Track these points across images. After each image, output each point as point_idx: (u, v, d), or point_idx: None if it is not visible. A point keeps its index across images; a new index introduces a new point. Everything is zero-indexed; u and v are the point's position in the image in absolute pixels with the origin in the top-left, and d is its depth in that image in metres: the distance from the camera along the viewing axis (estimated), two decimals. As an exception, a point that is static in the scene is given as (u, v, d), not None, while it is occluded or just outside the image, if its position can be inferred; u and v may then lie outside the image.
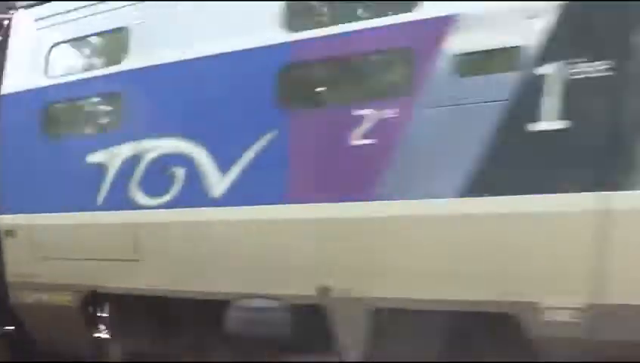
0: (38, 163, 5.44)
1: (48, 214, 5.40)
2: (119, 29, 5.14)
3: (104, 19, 5.14)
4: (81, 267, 5.29)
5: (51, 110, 5.55)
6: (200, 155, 4.64)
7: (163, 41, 4.89)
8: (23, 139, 5.56)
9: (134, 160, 4.93)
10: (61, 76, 5.51)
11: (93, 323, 5.49)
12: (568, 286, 3.59)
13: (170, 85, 4.85)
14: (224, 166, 4.55)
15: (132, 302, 5.18)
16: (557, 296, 3.63)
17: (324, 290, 4.29)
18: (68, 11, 5.32)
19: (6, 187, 5.65)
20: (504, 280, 3.74)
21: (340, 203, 4.15)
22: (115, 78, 5.07)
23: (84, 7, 5.26)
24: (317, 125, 4.30)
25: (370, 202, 4.05)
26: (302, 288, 4.33)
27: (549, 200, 3.56)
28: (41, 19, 5.59)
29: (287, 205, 4.34)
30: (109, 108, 5.43)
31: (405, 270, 3.97)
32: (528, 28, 3.61)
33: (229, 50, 4.56)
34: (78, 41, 5.46)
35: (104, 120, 5.54)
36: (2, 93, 5.68)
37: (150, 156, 4.87)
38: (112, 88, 5.15)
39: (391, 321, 4.17)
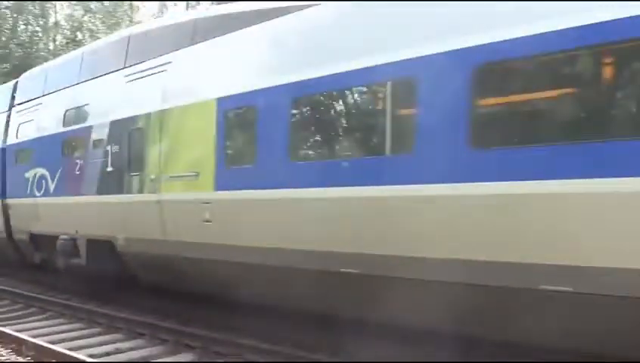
0: (10, 177, 12.57)
1: (28, 199, 12.35)
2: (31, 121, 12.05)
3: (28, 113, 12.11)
4: (27, 221, 12.25)
5: (19, 153, 12.61)
6: (47, 176, 11.27)
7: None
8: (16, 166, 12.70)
9: (34, 177, 11.75)
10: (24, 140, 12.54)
11: (32, 243, 12.37)
12: (116, 230, 9.48)
13: (42, 147, 11.56)
14: (52, 180, 11.12)
15: (43, 237, 11.96)
16: (120, 234, 9.53)
17: (77, 232, 10.62)
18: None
19: (7, 187, 12.87)
20: (108, 228, 9.73)
21: (76, 196, 10.44)
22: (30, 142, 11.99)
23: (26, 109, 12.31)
24: (69, 164, 10.65)
25: (78, 197, 10.31)
26: (72, 230, 10.67)
27: (109, 198, 9.51)
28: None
29: (65, 197, 10.77)
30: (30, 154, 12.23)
31: (93, 224, 10.15)
32: (105, 133, 9.60)
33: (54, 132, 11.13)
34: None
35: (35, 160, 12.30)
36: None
37: (38, 175, 11.64)
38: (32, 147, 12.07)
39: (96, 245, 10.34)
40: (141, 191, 8.90)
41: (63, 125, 10.88)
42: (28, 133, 12.25)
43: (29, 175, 11.98)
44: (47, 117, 11.52)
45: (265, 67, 7.06)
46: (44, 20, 36.48)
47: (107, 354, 7.54)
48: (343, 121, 6.35)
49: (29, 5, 35.53)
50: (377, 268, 5.79)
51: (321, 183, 6.24)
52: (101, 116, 9.84)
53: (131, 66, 9.38)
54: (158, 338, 8.21)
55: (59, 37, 36.56)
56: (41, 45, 35.25)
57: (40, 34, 36.00)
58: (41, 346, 7.49)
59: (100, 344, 8.08)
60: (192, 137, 8.00)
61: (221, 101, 7.53)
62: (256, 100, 7.04)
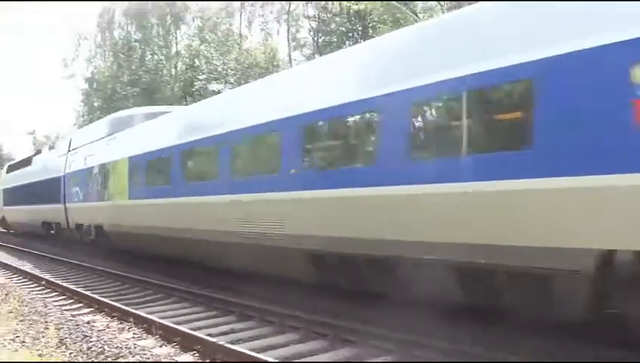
0: (67, 192, 22.27)
1: (74, 203, 21.82)
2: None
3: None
4: (74, 216, 21.70)
5: (70, 178, 22.22)
6: (79, 191, 20.72)
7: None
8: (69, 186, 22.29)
9: (75, 191, 21.27)
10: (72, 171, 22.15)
11: (77, 229, 21.77)
12: (104, 220, 18.59)
13: (81, 175, 21.04)
14: (81, 193, 20.55)
15: (80, 225, 21.27)
16: (106, 222, 18.60)
17: (91, 221, 19.82)
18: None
19: (66, 197, 22.54)
20: (101, 219, 18.86)
21: (89, 202, 19.73)
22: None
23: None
24: (86, 185, 19.99)
25: (90, 203, 19.60)
26: (94, 221, 19.75)
27: (100, 203, 18.72)
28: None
29: (86, 202, 20.09)
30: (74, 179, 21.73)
31: (95, 217, 19.34)
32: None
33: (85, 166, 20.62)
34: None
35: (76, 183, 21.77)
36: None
37: (75, 190, 21.13)
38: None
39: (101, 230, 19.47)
40: (109, 199, 17.96)
41: (84, 165, 20.28)
42: (73, 167, 21.84)
43: (73, 190, 21.52)
44: (78, 160, 21.07)
45: (141, 144, 15.87)
46: (167, 49, 43.14)
47: (223, 334, 8.34)
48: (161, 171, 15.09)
49: (155, 38, 42.40)
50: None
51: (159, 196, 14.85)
52: (97, 161, 19.03)
53: (107, 136, 18.62)
54: (266, 320, 9.11)
55: (179, 64, 42.03)
56: (164, 71, 41.31)
57: (164, 62, 42.22)
58: (168, 326, 8.37)
59: (217, 325, 8.97)
60: (121, 173, 16.89)
61: (130, 158, 16.40)
62: (135, 160, 15.84)
